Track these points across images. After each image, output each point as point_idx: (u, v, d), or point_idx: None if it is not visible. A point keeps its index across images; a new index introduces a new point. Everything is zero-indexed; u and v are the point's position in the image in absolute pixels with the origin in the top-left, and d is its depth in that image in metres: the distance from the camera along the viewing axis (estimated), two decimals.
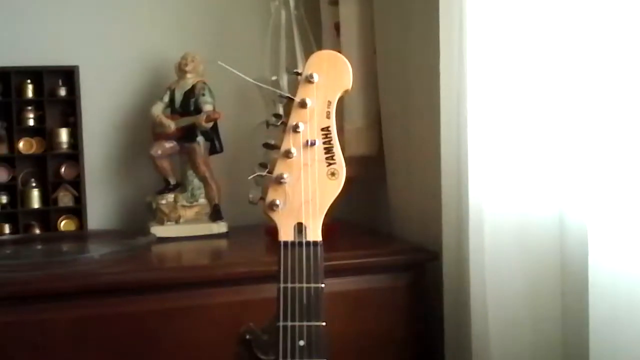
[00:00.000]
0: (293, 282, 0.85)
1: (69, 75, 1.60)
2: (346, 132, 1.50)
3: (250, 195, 0.96)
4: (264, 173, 0.89)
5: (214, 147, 1.57)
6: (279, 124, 0.91)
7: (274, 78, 1.50)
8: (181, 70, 1.56)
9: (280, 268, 0.85)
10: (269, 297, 0.91)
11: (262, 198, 0.90)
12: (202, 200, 1.57)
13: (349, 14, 1.53)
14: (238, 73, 0.93)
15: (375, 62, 1.53)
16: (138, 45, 1.67)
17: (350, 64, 0.92)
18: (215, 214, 1.57)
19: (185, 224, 1.55)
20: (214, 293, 1.25)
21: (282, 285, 0.85)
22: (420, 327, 1.34)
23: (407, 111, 1.46)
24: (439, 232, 1.27)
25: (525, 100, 1.12)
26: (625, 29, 0.97)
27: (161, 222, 1.55)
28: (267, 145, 0.91)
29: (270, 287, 0.90)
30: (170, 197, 1.56)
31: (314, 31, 1.59)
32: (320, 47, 1.57)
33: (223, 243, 1.53)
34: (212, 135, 1.56)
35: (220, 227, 1.55)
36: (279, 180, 0.88)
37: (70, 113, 1.61)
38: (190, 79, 1.56)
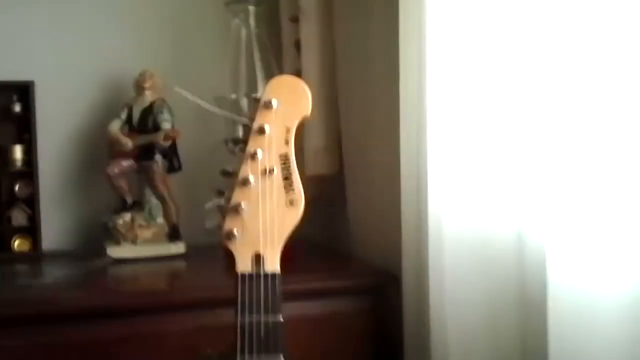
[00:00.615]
0: (251, 315, 0.83)
1: (24, 91, 1.56)
2: (306, 151, 1.49)
3: (207, 223, 0.95)
4: (221, 201, 0.87)
5: (173, 166, 1.54)
6: (237, 150, 0.89)
7: (233, 96, 1.48)
8: (139, 87, 1.54)
9: (237, 301, 0.83)
10: (227, 323, 0.89)
11: (220, 226, 0.88)
12: (160, 220, 1.55)
13: (309, 32, 1.51)
14: (194, 99, 0.91)
15: (336, 81, 1.52)
16: (96, 60, 1.64)
17: (311, 82, 0.92)
18: (174, 234, 1.54)
19: (142, 245, 1.52)
20: (170, 319, 1.22)
21: (239, 318, 0.83)
22: (381, 351, 1.32)
23: (367, 130, 1.45)
24: (399, 253, 1.25)
25: (485, 119, 1.11)
26: (592, 37, 0.96)
27: (118, 243, 1.51)
28: (225, 173, 0.89)
29: (229, 312, 0.88)
30: (127, 216, 1.53)
31: (274, 49, 1.58)
32: (280, 66, 1.57)
33: (181, 264, 1.50)
34: (171, 154, 1.53)
35: (179, 248, 1.52)
36: (236, 209, 0.86)
37: (24, 129, 1.57)
38: (149, 96, 1.53)
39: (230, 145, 0.89)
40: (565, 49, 0.98)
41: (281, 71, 1.55)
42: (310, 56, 1.52)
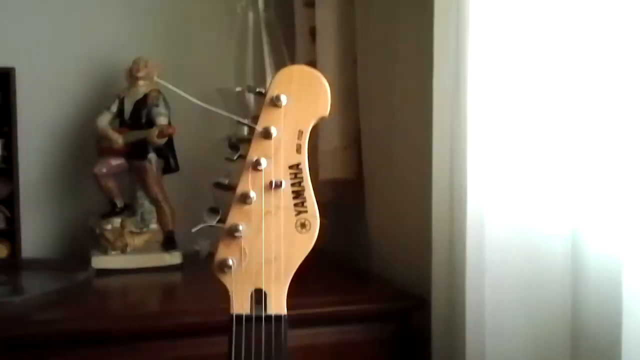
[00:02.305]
0: None
1: (3, 79, 1.43)
2: (321, 153, 1.35)
3: (198, 247, 0.79)
4: (214, 223, 0.69)
5: (169, 166, 1.40)
6: (235, 158, 0.72)
7: (238, 89, 1.34)
8: (132, 77, 1.40)
9: (231, 351, 0.66)
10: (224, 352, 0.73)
11: (213, 253, 0.71)
12: (154, 226, 1.40)
13: (326, 17, 1.38)
14: (180, 92, 0.74)
15: (356, 73, 1.38)
16: (85, 46, 1.50)
17: (327, 74, 0.74)
18: (169, 243, 1.39)
19: (133, 254, 1.37)
20: (160, 346, 1.07)
21: None
22: None
23: (391, 128, 1.32)
24: (428, 271, 1.11)
25: (533, 105, 0.96)
26: None
27: (105, 251, 1.37)
28: (220, 186, 0.71)
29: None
30: (117, 221, 1.39)
31: (286, 36, 1.44)
32: (293, 55, 1.43)
33: (176, 278, 1.35)
34: (166, 152, 1.39)
35: (174, 258, 1.37)
36: (232, 233, 0.68)
37: (4, 122, 1.43)
38: (143, 87, 1.39)
39: (228, 151, 0.71)
40: (621, 38, 0.84)
41: (293, 62, 1.43)
42: (327, 45, 1.39)
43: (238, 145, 0.74)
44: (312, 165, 0.74)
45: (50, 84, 1.48)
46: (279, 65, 1.38)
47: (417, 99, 1.18)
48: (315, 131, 0.75)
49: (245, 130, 0.81)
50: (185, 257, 1.38)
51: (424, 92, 1.11)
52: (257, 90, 0.73)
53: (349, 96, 1.37)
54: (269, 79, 1.34)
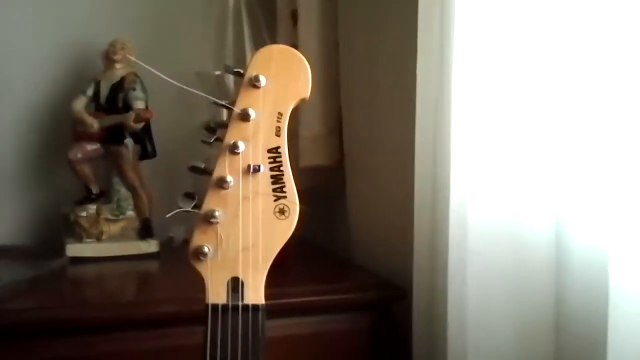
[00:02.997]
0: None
1: None
2: (302, 139, 1.32)
3: (172, 234, 0.77)
4: (190, 208, 0.67)
5: (145, 151, 1.37)
6: (211, 140, 0.69)
7: (217, 73, 1.31)
8: (109, 60, 1.36)
9: (206, 342, 0.63)
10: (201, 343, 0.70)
11: (188, 240, 0.68)
12: (130, 213, 1.37)
13: (308, 0, 1.35)
14: (160, 74, 0.71)
15: (338, 58, 1.35)
16: (58, 27, 1.46)
17: (309, 59, 0.73)
18: (145, 230, 1.35)
19: (108, 242, 1.34)
20: (134, 337, 1.04)
21: None
22: None
23: (374, 115, 1.29)
24: (409, 261, 1.09)
25: (519, 91, 0.94)
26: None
27: (79, 239, 1.33)
28: (195, 169, 0.69)
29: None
30: (92, 208, 1.35)
31: (267, 19, 1.41)
32: (274, 39, 1.40)
33: (153, 266, 1.32)
34: (143, 137, 1.35)
35: (151, 246, 1.34)
36: (208, 219, 0.66)
37: None
38: (120, 70, 1.35)
39: (205, 133, 0.68)
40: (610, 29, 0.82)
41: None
42: (309, 29, 1.36)
43: (215, 128, 0.72)
44: (293, 152, 0.71)
45: (23, 67, 1.44)
46: (259, 49, 1.35)
47: (400, 87, 1.15)
48: (296, 117, 0.73)
49: (225, 115, 0.79)
50: (162, 245, 1.35)
51: (407, 80, 1.08)
52: (235, 70, 0.71)
53: (330, 82, 1.35)
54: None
